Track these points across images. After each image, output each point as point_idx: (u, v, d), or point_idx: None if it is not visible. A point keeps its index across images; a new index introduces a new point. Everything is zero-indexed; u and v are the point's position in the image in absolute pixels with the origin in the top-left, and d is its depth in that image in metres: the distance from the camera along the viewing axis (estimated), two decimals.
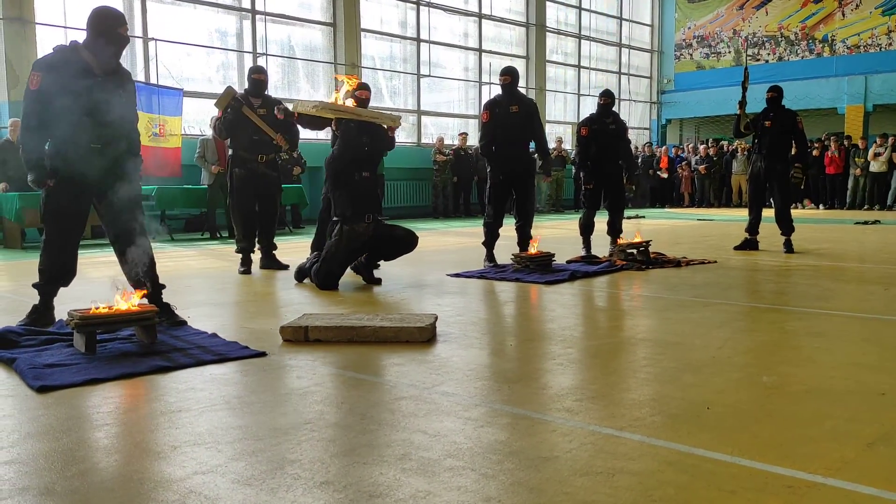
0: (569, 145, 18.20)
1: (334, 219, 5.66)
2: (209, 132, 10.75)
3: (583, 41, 20.09)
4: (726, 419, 2.48)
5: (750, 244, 8.03)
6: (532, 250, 6.39)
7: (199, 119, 12.09)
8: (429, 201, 15.27)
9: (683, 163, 19.30)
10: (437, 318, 3.97)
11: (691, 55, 21.94)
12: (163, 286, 4.11)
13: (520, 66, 17.26)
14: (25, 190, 8.56)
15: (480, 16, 17.10)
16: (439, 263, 7.02)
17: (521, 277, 5.89)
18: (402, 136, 15.40)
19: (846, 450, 2.19)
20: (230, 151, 6.37)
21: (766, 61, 20.36)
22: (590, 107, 19.06)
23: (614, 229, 7.39)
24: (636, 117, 21.85)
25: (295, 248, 7.52)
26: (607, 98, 7.31)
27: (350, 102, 5.82)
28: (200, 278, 6.31)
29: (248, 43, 12.89)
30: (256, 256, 6.57)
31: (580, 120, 7.91)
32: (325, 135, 13.48)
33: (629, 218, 10.59)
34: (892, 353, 3.46)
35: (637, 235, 7.01)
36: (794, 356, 3.47)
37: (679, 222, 13.34)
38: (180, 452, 2.21)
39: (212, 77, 12.73)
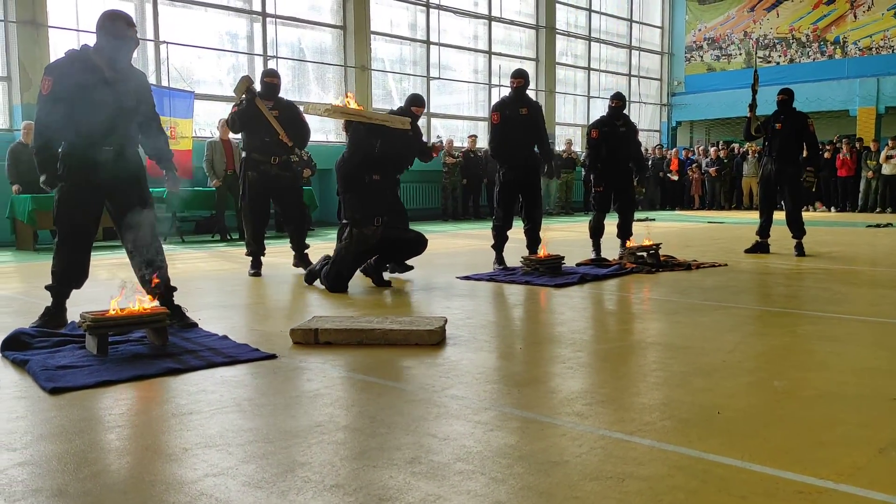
0: (578, 147, 18.16)
1: (344, 221, 5.68)
2: (218, 134, 10.80)
3: (592, 43, 20.07)
4: (737, 424, 2.47)
5: (761, 247, 8.00)
6: (541, 253, 6.39)
7: (209, 121, 12.15)
8: (438, 203, 15.28)
9: (694, 165, 19.24)
10: (446, 321, 3.97)
11: (702, 57, 21.87)
12: (174, 288, 4.13)
13: (529, 68, 17.25)
14: (38, 192, 8.63)
15: (490, 18, 17.11)
16: (449, 266, 7.02)
17: (531, 280, 5.88)
18: None
19: (858, 455, 2.18)
20: (243, 154, 6.37)
21: (777, 63, 20.28)
22: (599, 109, 19.04)
23: (624, 232, 7.38)
24: (646, 119, 21.80)
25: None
26: (618, 101, 7.30)
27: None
28: (211, 280, 6.34)
29: (258, 45, 12.95)
30: (270, 259, 6.56)
31: (590, 122, 7.90)
32: (334, 137, 13.57)
33: (639, 220, 10.58)
34: None
35: (647, 238, 7.00)
36: (805, 360, 3.46)
37: (689, 225, 13.30)
38: (191, 455, 2.22)
39: (222, 80, 12.79)
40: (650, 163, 18.14)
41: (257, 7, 12.89)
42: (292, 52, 13.59)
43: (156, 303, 3.79)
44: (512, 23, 17.76)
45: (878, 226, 12.37)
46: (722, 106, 20.62)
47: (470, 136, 15.54)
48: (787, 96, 7.78)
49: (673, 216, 16.26)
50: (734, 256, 7.70)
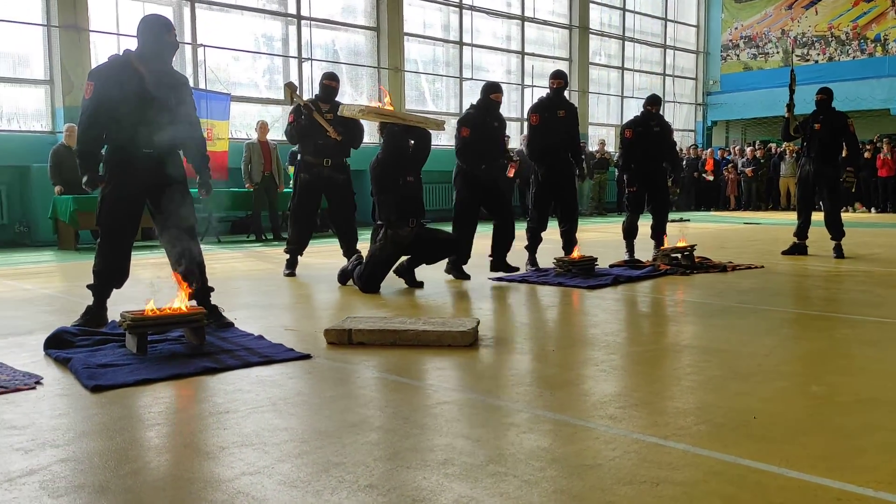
0: (612, 148, 18.03)
1: (378, 223, 5.71)
2: (255, 136, 10.93)
3: (626, 43, 19.90)
4: (774, 429, 2.44)
5: (799, 249, 7.87)
6: (574, 254, 6.36)
7: (245, 123, 12.30)
8: None
9: (729, 165, 18.99)
10: (479, 323, 3.98)
11: (738, 56, 21.57)
12: (211, 289, 4.19)
13: (562, 68, 17.16)
14: (80, 193, 8.83)
15: (523, 18, 17.07)
16: (481, 267, 7.01)
17: (564, 281, 5.86)
18: (444, 140, 15.44)
19: None
20: (298, 157, 6.45)
21: (816, 62, 19.92)
22: (633, 109, 18.89)
23: (658, 233, 7.31)
24: (681, 119, 21.57)
25: (339, 250, 7.54)
26: (656, 106, 7.23)
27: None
28: (246, 280, 6.42)
29: (293, 48, 13.08)
30: (304, 259, 6.62)
31: (624, 122, 7.84)
32: (368, 139, 13.64)
33: (673, 221, 10.47)
34: None
35: (682, 239, 6.93)
36: (844, 365, 3.40)
37: (724, 226, 13.13)
38: (228, 453, 2.26)
39: (258, 82, 12.95)
40: (685, 163, 17.94)
41: (292, 10, 13.03)
42: (326, 54, 13.71)
43: (192, 301, 3.86)
44: (545, 23, 17.69)
45: None
46: (759, 105, 20.31)
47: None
48: (826, 96, 7.64)
49: (708, 217, 16.06)
50: (771, 258, 7.58)
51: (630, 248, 7.28)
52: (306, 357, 3.47)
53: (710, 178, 19.00)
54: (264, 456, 2.23)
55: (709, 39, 22.05)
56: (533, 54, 17.25)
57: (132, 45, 4.09)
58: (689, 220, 14.17)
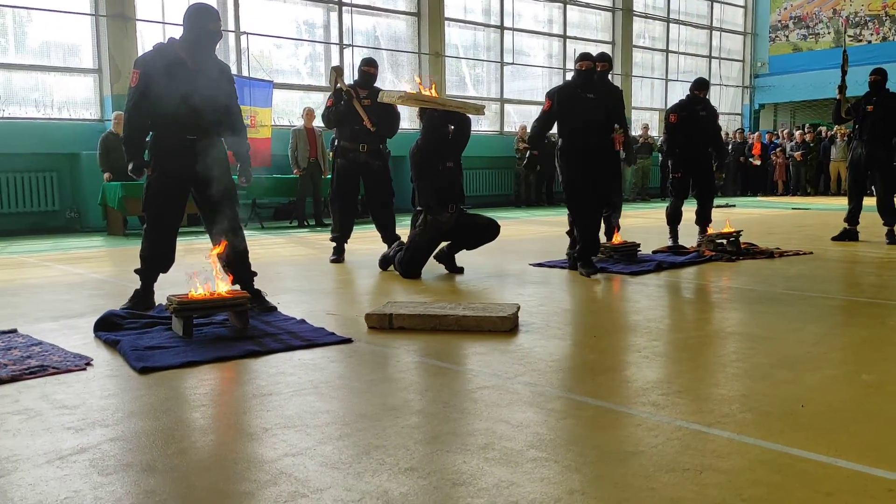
0: (655, 132, 17.75)
1: (417, 208, 5.72)
2: (299, 123, 11.02)
3: (671, 24, 19.52)
4: (822, 418, 2.39)
5: (849, 235, 7.67)
6: (616, 240, 6.29)
7: (287, 110, 12.41)
8: (511, 190, 15.21)
9: (777, 149, 18.54)
10: (519, 308, 3.96)
11: (787, 37, 21.00)
12: (254, 273, 4.25)
13: (606, 51, 16.90)
14: (128, 180, 9.02)
15: (565, 1, 16.85)
16: (521, 253, 7.00)
17: (606, 267, 5.80)
18: (485, 125, 15.38)
19: None
20: (336, 142, 6.47)
21: (869, 42, 19.28)
22: (678, 93, 18.53)
23: (703, 219, 7.18)
24: (727, 103, 21.11)
25: (378, 237, 7.59)
26: (703, 90, 7.06)
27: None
28: (289, 266, 6.49)
29: (334, 34, 13.13)
30: (350, 246, 6.65)
31: (669, 106, 7.69)
32: (407, 124, 13.64)
33: (718, 207, 10.28)
34: None
35: (727, 225, 6.80)
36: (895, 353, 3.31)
37: (772, 212, 12.85)
38: (271, 434, 2.29)
39: (300, 69, 13.04)
40: (730, 147, 17.57)
41: None
42: (367, 41, 13.73)
43: (236, 286, 3.92)
44: (587, 5, 17.44)
45: None
46: (808, 87, 19.76)
47: None
48: (879, 76, 7.41)
49: (754, 202, 15.73)
50: (820, 244, 7.40)
51: (674, 234, 7.17)
52: (347, 341, 3.50)
53: (757, 162, 18.57)
54: (306, 438, 2.26)
55: (757, 20, 21.51)
56: (575, 38, 17.03)
57: (177, 33, 4.15)
58: (734, 206, 13.90)
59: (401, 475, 1.97)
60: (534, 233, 9.51)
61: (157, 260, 4.18)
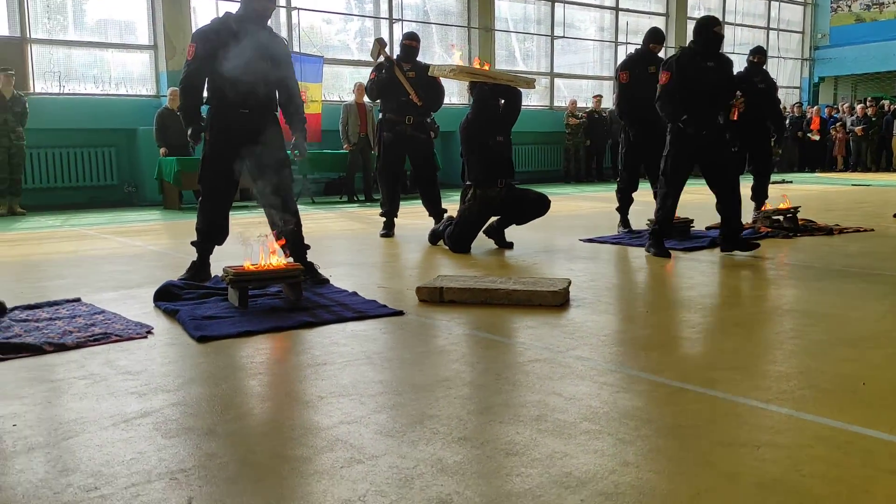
0: None
1: (467, 183, 5.70)
2: (349, 98, 11.06)
3: None
4: (885, 396, 2.33)
5: None
6: None
7: (337, 85, 12.46)
8: (560, 165, 15.06)
9: (837, 124, 17.94)
10: (570, 283, 3.94)
11: (849, 7, 20.20)
12: (307, 246, 4.30)
13: (659, 24, 16.53)
14: (184, 155, 9.21)
15: None
16: (571, 228, 6.94)
17: None
18: (534, 100, 15.22)
19: None
20: (380, 115, 6.49)
21: None
22: (735, 65, 18.06)
23: (759, 195, 7.02)
24: (785, 75, 20.46)
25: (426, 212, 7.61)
26: (759, 56, 6.88)
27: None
28: (340, 240, 6.56)
29: (384, 9, 13.09)
30: (400, 221, 6.68)
31: None
32: (456, 99, 13.59)
33: (775, 183, 10.02)
34: None
35: (784, 201, 6.63)
36: None
37: (831, 188, 12.47)
38: (326, 403, 2.33)
39: (349, 44, 13.07)
40: (788, 122, 17.06)
41: None
42: (417, 15, 13.66)
43: (290, 258, 3.98)
44: None
45: None
46: (871, 60, 19.02)
47: (595, 97, 15.16)
48: None
49: (812, 178, 15.29)
50: (882, 221, 7.16)
51: None
52: (399, 313, 3.53)
53: (816, 137, 18.01)
54: (360, 406, 2.29)
55: None
56: (627, 10, 16.67)
57: (232, 9, 4.19)
58: (791, 182, 13.54)
59: (454, 444, 1.99)
60: (583, 209, 9.42)
61: (212, 232, 4.27)
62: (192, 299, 3.77)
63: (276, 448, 1.99)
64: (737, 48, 18.82)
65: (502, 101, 5.67)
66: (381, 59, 6.20)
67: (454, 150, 11.96)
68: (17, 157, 8.73)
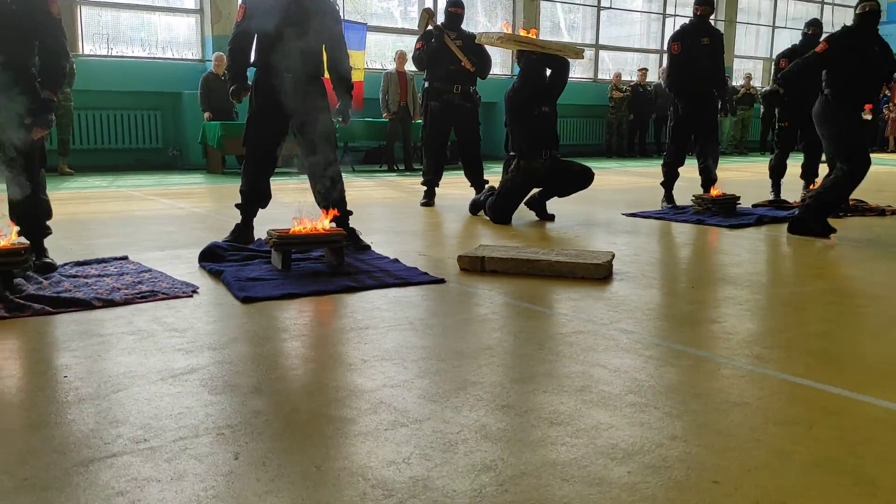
0: (758, 82, 16.90)
1: (510, 154, 5.64)
2: (391, 66, 11.00)
3: None
4: None
5: None
6: (714, 192, 6.07)
7: (380, 53, 12.40)
8: (601, 140, 14.84)
9: (890, 103, 17.36)
10: (613, 256, 3.89)
11: None
12: (350, 212, 4.30)
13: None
14: (228, 119, 9.26)
15: None
16: (613, 202, 6.85)
17: (703, 220, 5.62)
18: (578, 72, 14.96)
19: None
20: (426, 84, 6.44)
21: None
22: (785, 41, 17.51)
23: (809, 173, 6.82)
24: None
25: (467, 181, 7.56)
26: (815, 29, 6.66)
27: None
28: (380, 207, 6.56)
29: None
30: (440, 191, 6.65)
31: (778, 53, 7.25)
32: (499, 70, 13.42)
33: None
34: None
35: None
36: None
37: (883, 168, 12.09)
38: (370, 366, 2.34)
39: (393, 11, 12.96)
40: None
41: None
42: None
43: (333, 223, 3.98)
44: None
45: None
46: None
47: (640, 70, 14.86)
48: None
49: None
50: None
51: (776, 188, 6.85)
52: (440, 281, 3.52)
53: (868, 116, 17.37)
54: (403, 371, 2.29)
55: None
56: None
57: None
58: None
59: (498, 411, 1.98)
60: (625, 183, 9.29)
61: (255, 196, 4.29)
62: (236, 261, 3.80)
63: (321, 408, 2.00)
64: (789, 22, 18.28)
65: (549, 71, 5.59)
66: (430, 28, 6.14)
67: (495, 122, 11.85)
68: (65, 117, 8.86)
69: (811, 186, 6.58)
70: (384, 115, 10.62)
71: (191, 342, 2.55)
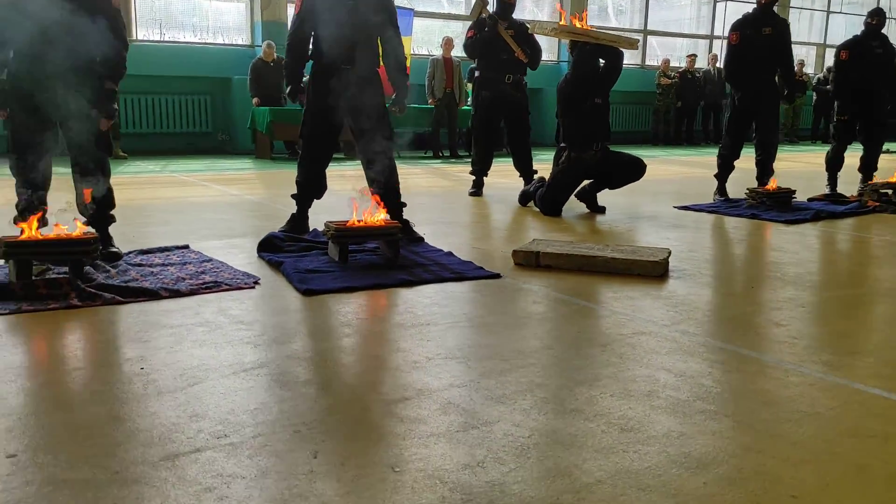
0: (811, 69, 16.50)
1: (561, 145, 5.61)
2: (437, 52, 10.98)
3: None
4: None
5: None
6: (770, 185, 5.97)
7: (426, 39, 12.38)
8: (648, 127, 14.65)
9: None
10: (670, 253, 3.85)
11: None
12: (404, 204, 4.33)
13: None
14: (276, 105, 9.35)
15: None
16: (662, 194, 6.78)
17: (758, 214, 5.53)
18: (625, 58, 14.74)
19: None
20: (476, 73, 6.43)
21: None
22: (840, 26, 17.05)
23: (868, 166, 6.67)
24: None
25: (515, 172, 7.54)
26: (878, 18, 6.47)
27: None
28: (429, 196, 6.58)
29: None
30: (487, 180, 6.65)
31: (824, 41, 7.05)
32: (546, 55, 13.30)
33: (887, 152, 9.50)
34: None
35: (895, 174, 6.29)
36: None
37: None
38: (435, 364, 2.36)
39: None
40: None
41: None
42: None
43: (387, 215, 4.02)
44: None
45: None
46: None
47: (689, 56, 14.60)
48: None
49: None
50: None
51: (832, 182, 6.71)
52: (496, 276, 3.53)
53: None
54: (469, 370, 2.31)
55: None
56: None
57: None
58: None
59: (567, 415, 1.99)
60: (673, 173, 9.17)
61: (311, 187, 4.34)
62: (293, 251, 3.86)
63: (391, 408, 2.03)
64: (845, 7, 17.76)
65: (602, 62, 5.53)
66: (484, 16, 6.12)
67: (543, 111, 11.77)
68: None
69: (870, 181, 6.44)
70: (430, 102, 10.62)
71: (258, 335, 2.61)
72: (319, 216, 4.31)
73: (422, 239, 4.24)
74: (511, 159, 6.57)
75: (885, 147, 7.13)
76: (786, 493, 1.60)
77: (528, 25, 6.27)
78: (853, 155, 6.71)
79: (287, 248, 3.92)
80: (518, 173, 6.48)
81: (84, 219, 3.46)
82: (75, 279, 3.08)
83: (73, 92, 3.40)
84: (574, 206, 5.69)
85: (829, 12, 17.86)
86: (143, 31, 10.09)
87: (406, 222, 4.27)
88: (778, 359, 2.47)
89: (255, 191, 6.73)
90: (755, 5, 6.10)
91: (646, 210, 5.84)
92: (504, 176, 7.19)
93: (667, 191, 7.06)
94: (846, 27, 16.46)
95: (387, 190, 4.16)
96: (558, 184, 5.54)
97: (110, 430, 1.86)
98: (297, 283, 3.27)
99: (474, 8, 6.22)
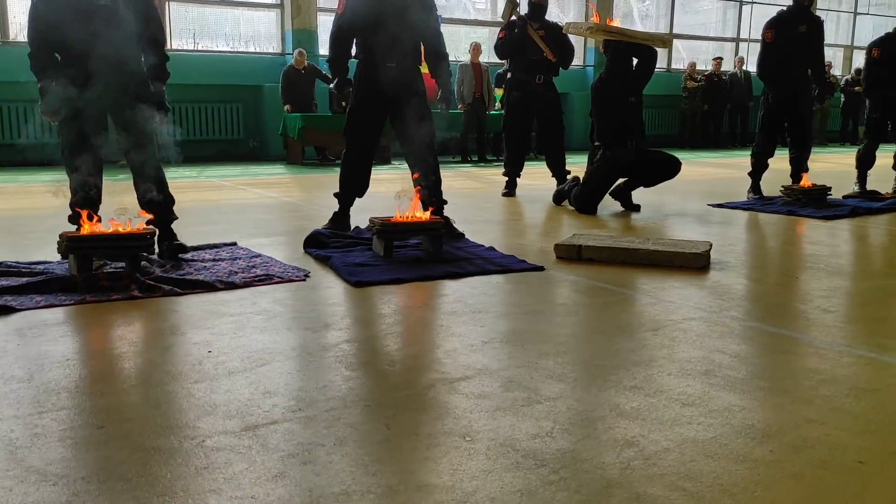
0: (838, 71, 16.38)
1: (595, 144, 5.65)
2: (465, 58, 11.08)
3: None
4: None
5: None
6: (804, 183, 5.96)
7: (452, 45, 12.47)
8: (675, 130, 14.62)
9: None
10: (711, 246, 3.88)
11: None
12: (445, 202, 4.40)
13: None
14: (308, 112, 9.48)
15: None
16: (695, 193, 6.79)
17: (794, 210, 5.53)
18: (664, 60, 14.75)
19: None
20: (508, 75, 6.50)
21: None
22: (867, 27, 16.93)
23: None
24: None
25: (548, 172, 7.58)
26: None
27: None
28: (462, 198, 6.63)
29: None
30: (520, 181, 6.70)
31: (872, 40, 7.04)
32: (576, 60, 13.33)
33: None
34: None
35: None
36: None
37: None
38: (492, 347, 2.42)
39: (466, 3, 13.02)
40: None
41: None
42: None
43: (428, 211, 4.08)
44: None
45: None
46: None
47: (714, 59, 14.57)
48: None
49: None
50: None
51: (861, 179, 6.67)
52: (540, 269, 3.58)
53: None
54: (525, 352, 2.36)
55: None
56: None
57: None
58: None
59: (627, 392, 2.04)
60: (703, 174, 9.17)
61: (354, 185, 4.42)
62: (338, 247, 3.94)
63: (455, 384, 2.08)
64: (872, 8, 17.63)
65: (635, 61, 5.57)
66: (514, 18, 6.19)
67: (575, 111, 11.80)
68: None
69: None
70: (459, 107, 10.70)
71: (316, 322, 2.68)
72: (359, 216, 4.39)
73: (462, 235, 4.30)
74: (539, 162, 6.61)
75: None
76: (852, 460, 1.63)
77: (561, 26, 6.33)
78: (885, 155, 6.68)
79: (332, 244, 4.00)
80: (550, 173, 6.53)
81: (147, 217, 3.53)
82: (133, 272, 3.17)
83: (125, 92, 3.50)
84: (608, 204, 5.73)
85: (856, 14, 17.73)
86: (177, 41, 10.28)
87: (447, 219, 4.34)
88: (830, 341, 2.49)
89: (293, 193, 6.83)
90: (790, 3, 6.10)
91: (679, 208, 5.86)
92: (536, 177, 7.24)
93: (698, 190, 7.07)
94: (873, 28, 16.33)
95: (430, 187, 4.23)
96: (593, 182, 5.58)
97: (188, 405, 1.94)
98: (346, 275, 3.35)
99: (505, 9, 6.30)
